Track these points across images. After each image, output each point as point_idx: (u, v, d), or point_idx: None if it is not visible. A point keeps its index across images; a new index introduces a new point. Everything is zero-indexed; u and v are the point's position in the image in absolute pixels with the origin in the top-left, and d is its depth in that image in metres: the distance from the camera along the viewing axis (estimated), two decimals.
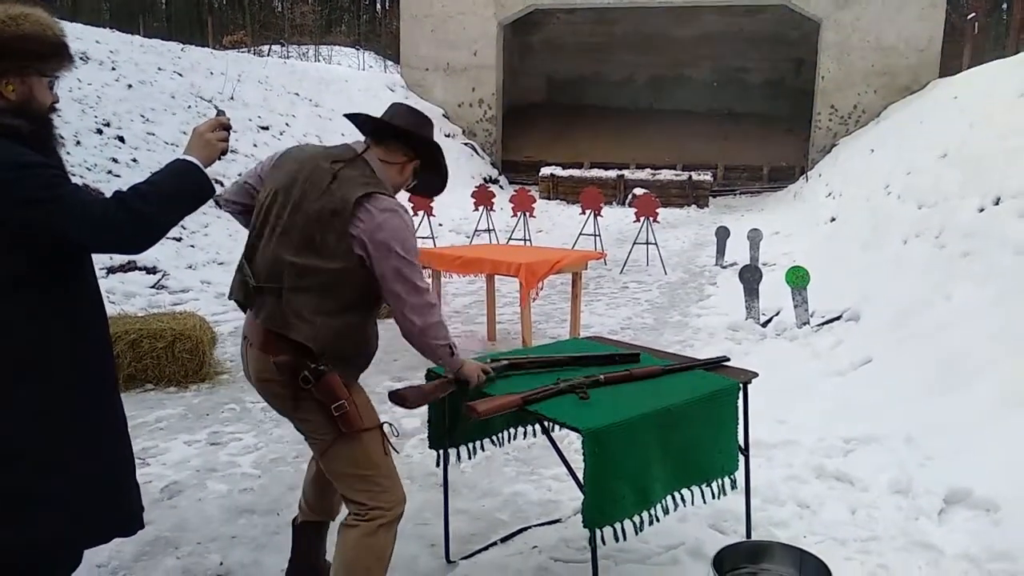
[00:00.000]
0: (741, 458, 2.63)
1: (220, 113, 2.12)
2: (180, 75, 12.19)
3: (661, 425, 2.32)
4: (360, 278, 2.23)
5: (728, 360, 2.79)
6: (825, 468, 3.55)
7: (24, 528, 1.87)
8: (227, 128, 2.07)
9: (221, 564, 2.99)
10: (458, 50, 19.44)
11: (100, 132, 9.02)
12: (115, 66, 10.89)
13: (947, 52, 18.44)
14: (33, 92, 1.89)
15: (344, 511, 2.45)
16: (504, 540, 3.11)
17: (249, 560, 3.01)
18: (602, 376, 2.53)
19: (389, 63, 24.97)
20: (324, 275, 2.20)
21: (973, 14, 20.39)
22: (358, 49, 25.97)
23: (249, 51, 21.70)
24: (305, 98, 14.52)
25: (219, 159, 2.06)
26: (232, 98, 12.40)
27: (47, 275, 1.86)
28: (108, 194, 1.87)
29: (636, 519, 2.30)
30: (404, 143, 2.36)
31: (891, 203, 9.40)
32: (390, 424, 2.45)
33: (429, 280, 6.16)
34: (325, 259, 2.19)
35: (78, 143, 8.65)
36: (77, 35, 11.21)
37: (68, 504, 1.92)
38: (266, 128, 12.48)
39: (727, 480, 2.54)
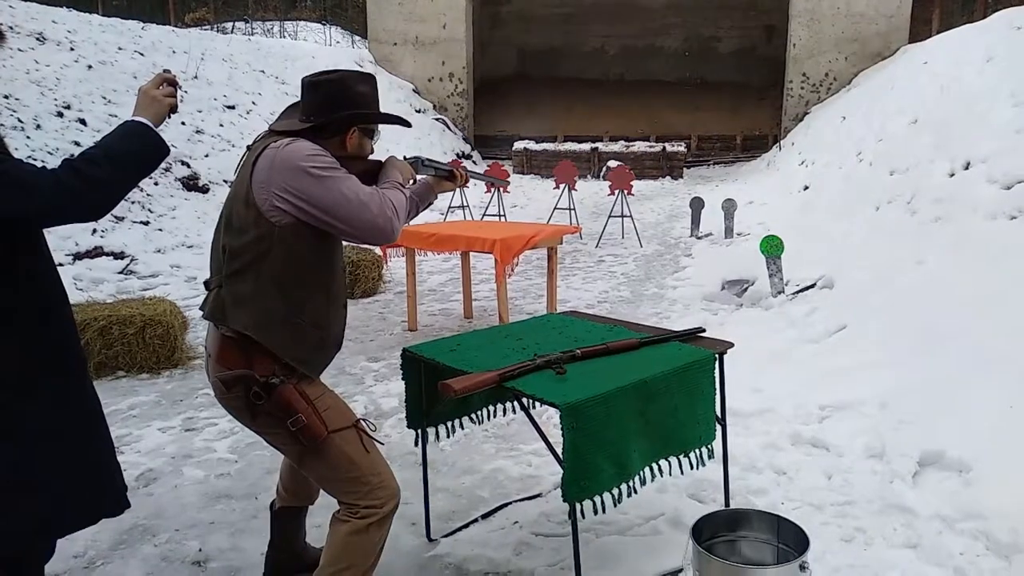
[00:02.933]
0: (718, 428, 2.64)
1: (166, 71, 2.05)
2: (142, 55, 11.91)
3: (638, 398, 2.32)
4: (286, 245, 2.07)
5: (704, 331, 2.79)
6: (801, 435, 3.58)
7: (9, 515, 1.84)
8: (173, 84, 1.98)
9: (200, 550, 2.96)
10: (427, 23, 19.18)
11: (60, 115, 8.80)
12: (73, 46, 10.61)
13: (917, 18, 18.50)
14: None
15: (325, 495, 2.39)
16: (485, 517, 3.11)
17: (228, 545, 2.98)
18: (578, 351, 2.51)
19: (356, 38, 24.60)
20: (248, 251, 2.07)
21: None
22: (324, 24, 25.54)
23: (212, 28, 21.27)
24: (271, 75, 14.27)
25: (168, 117, 1.98)
26: (196, 77, 12.15)
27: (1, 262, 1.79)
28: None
29: (615, 491, 2.30)
30: (305, 104, 2.24)
31: (863, 170, 9.46)
32: (365, 420, 2.33)
33: (403, 258, 6.10)
34: (243, 232, 2.07)
35: (38, 127, 8.43)
36: (32, 15, 10.91)
37: (52, 488, 1.89)
38: (232, 108, 12.26)
39: (704, 450, 2.55)
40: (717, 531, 2.29)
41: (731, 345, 2.65)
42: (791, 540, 2.24)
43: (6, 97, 8.68)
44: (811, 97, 18.28)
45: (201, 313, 2.25)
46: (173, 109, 1.97)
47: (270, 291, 2.09)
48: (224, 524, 3.15)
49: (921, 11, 19.38)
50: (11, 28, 10.06)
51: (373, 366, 5.22)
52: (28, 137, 8.17)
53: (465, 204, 11.32)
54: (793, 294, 6.26)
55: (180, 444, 3.95)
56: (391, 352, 5.52)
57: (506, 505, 3.19)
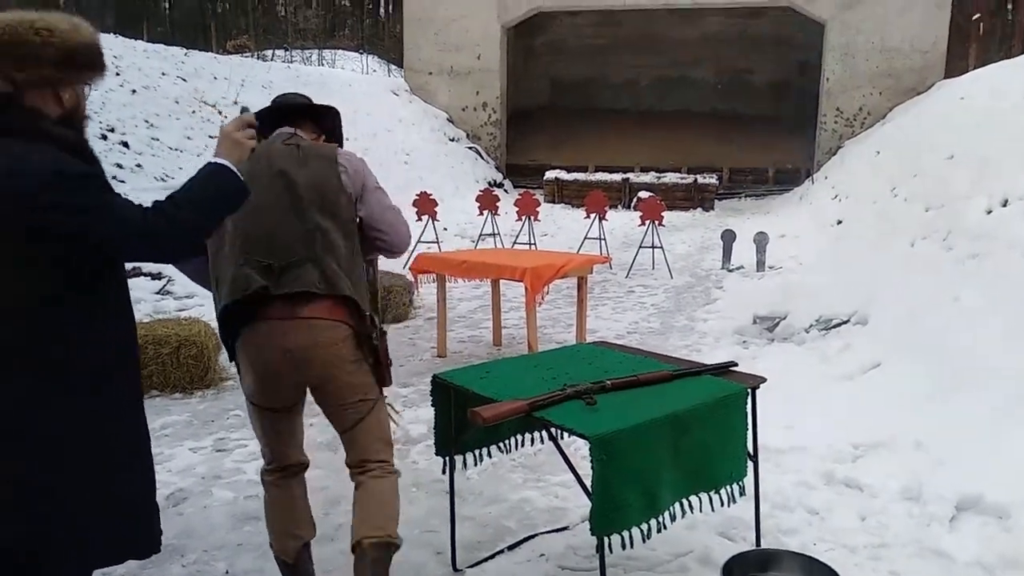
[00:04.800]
0: (750, 464, 2.60)
1: (244, 111, 2.11)
2: (184, 80, 12.20)
3: (670, 431, 2.30)
4: (356, 226, 2.54)
5: (736, 365, 2.77)
6: (834, 474, 3.52)
7: (55, 528, 1.80)
8: (253, 126, 2.03)
9: (227, 572, 2.97)
10: (461, 53, 19.43)
11: (105, 138, 9.02)
12: (119, 71, 10.90)
13: (952, 53, 18.37)
14: (80, 101, 1.89)
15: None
16: (511, 548, 3.09)
17: (254, 568, 3.00)
18: (609, 382, 2.51)
19: (392, 67, 24.99)
20: (346, 230, 2.48)
21: (978, 15, 20.31)
22: (361, 53, 25.99)
23: (253, 56, 21.74)
24: None
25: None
26: (235, 103, 12.39)
27: (88, 289, 1.81)
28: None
29: (644, 527, 2.27)
30: (312, 121, 2.73)
31: (898, 205, 9.37)
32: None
33: (434, 284, 6.14)
34: (338, 216, 2.47)
35: None
36: None
37: (96, 514, 1.86)
38: None
39: (736, 487, 2.52)
40: (748, 571, 2.25)
41: (764, 380, 2.62)
42: None
43: None
44: (845, 131, 18.17)
45: (260, 287, 2.37)
46: (252, 150, 2.02)
47: (359, 262, 2.51)
48: (251, 546, 3.16)
49: (957, 47, 19.24)
50: None
51: (402, 392, 5.23)
52: None
53: (496, 232, 11.37)
54: (826, 329, 6.19)
55: (210, 464, 3.98)
56: (420, 378, 5.54)
57: (533, 537, 3.17)
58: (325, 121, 2.77)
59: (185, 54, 13.31)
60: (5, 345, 1.71)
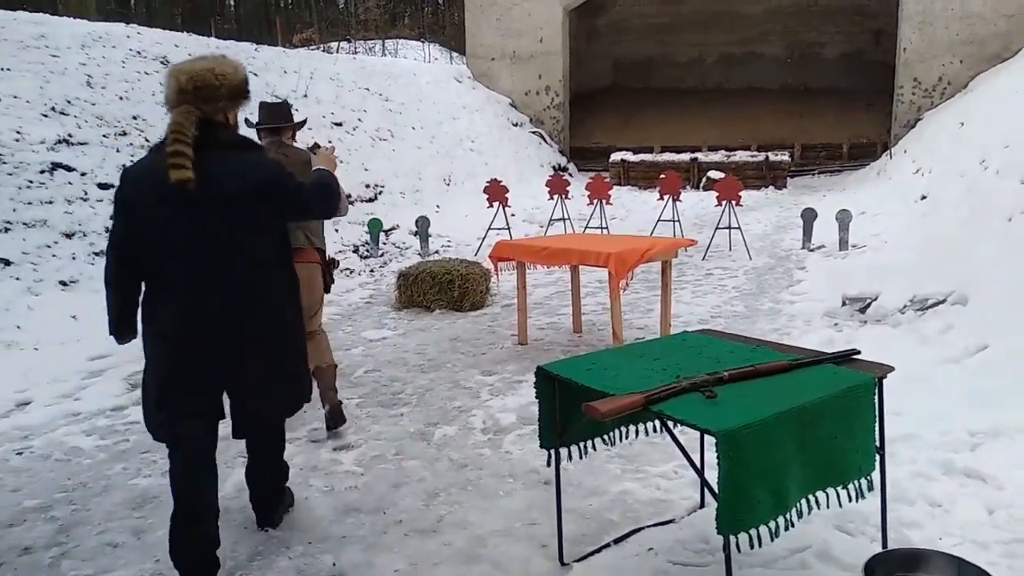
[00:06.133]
0: (877, 457, 2.48)
1: (316, 147, 3.48)
2: (255, 75, 12.37)
3: (796, 424, 2.19)
4: None
5: (858, 353, 2.63)
6: (953, 464, 3.34)
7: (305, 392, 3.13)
8: (333, 149, 3.40)
9: (334, 565, 2.98)
10: (523, 38, 19.28)
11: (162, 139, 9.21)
12: None
13: None
14: (236, 118, 2.93)
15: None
16: (617, 541, 3.02)
17: (361, 560, 3.00)
18: (726, 373, 2.41)
19: (455, 54, 24.97)
20: None
21: None
22: (423, 42, 26.04)
23: (318, 48, 21.97)
24: (375, 93, 14.60)
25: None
26: (305, 96, 12.54)
27: (286, 248, 2.97)
28: None
29: (772, 524, 2.18)
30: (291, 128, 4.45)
31: (989, 178, 8.91)
32: None
33: (513, 273, 6.08)
34: None
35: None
36: (157, 40, 11.50)
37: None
38: (339, 124, 12.60)
39: (864, 481, 2.40)
40: (891, 571, 2.13)
41: (892, 369, 2.49)
42: None
43: (134, 118, 9.16)
44: (923, 103, 17.43)
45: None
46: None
47: (319, 225, 4.35)
48: (355, 539, 3.17)
49: None
50: (139, 53, 10.63)
51: (488, 380, 5.21)
52: None
53: (566, 216, 11.26)
54: (922, 310, 5.92)
55: (307, 455, 4.02)
56: (503, 366, 5.51)
57: (639, 530, 3.09)
58: (296, 127, 4.49)
59: (255, 49, 13.51)
60: (268, 261, 2.84)
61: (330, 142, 3.97)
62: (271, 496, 3.28)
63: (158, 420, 2.78)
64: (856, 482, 2.37)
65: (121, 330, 2.89)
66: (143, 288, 2.80)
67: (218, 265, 2.69)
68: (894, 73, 17.97)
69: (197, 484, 2.81)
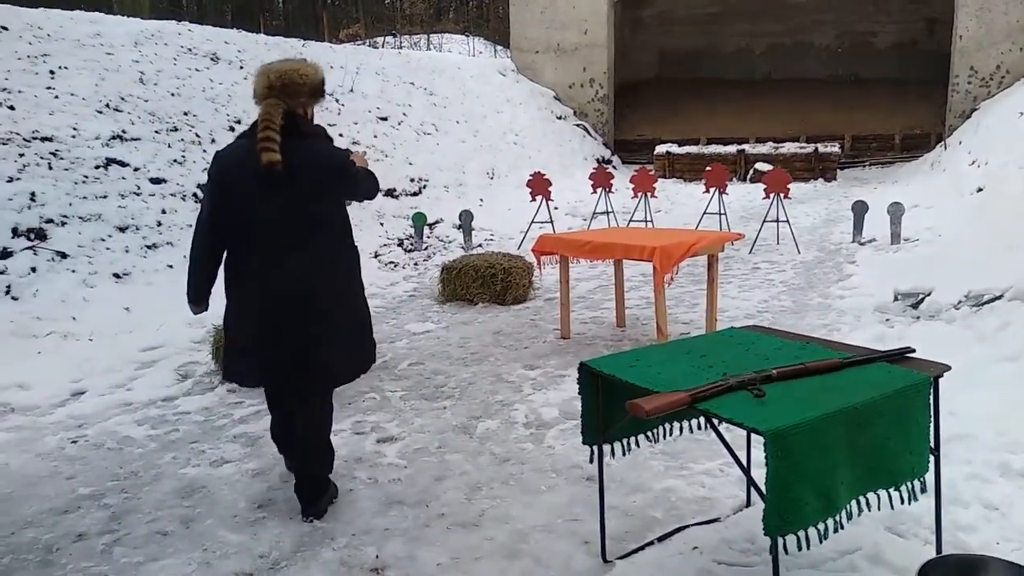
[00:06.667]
0: (931, 459, 2.40)
1: (349, 152, 3.44)
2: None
3: (847, 425, 2.14)
4: None
5: (913, 351, 2.56)
6: (1011, 465, 3.23)
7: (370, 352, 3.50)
8: (365, 154, 3.82)
9: (377, 557, 3.00)
10: (568, 30, 19.16)
11: (232, 129, 9.36)
12: (243, 64, 11.29)
13: None
14: (314, 112, 3.31)
15: None
16: (661, 539, 2.99)
17: (404, 553, 3.01)
18: (774, 371, 2.36)
19: (499, 48, 24.95)
20: None
21: None
22: (468, 36, 26.06)
23: (364, 43, 22.14)
24: (420, 87, 14.66)
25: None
26: (352, 90, 12.65)
27: (349, 223, 3.35)
28: None
29: (820, 526, 2.13)
30: None
31: None
32: None
33: (556, 267, 6.05)
34: None
35: (213, 140, 9.01)
36: (208, 37, 11.71)
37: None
38: (385, 119, 12.68)
39: (917, 483, 2.33)
40: None
41: (948, 368, 2.41)
42: None
43: (185, 114, 9.33)
44: (980, 92, 16.88)
45: None
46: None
47: None
48: (398, 531, 3.19)
49: None
50: (190, 50, 10.83)
51: (530, 374, 5.20)
52: (204, 150, 8.75)
53: (609, 210, 11.18)
54: (977, 306, 5.74)
55: (351, 447, 4.05)
56: (546, 360, 5.49)
57: (683, 528, 3.06)
58: None
59: (303, 45, 13.66)
60: (341, 233, 3.28)
61: (357, 143, 3.60)
62: (315, 459, 3.37)
63: (238, 371, 3.34)
64: (909, 484, 2.31)
65: (198, 298, 3.30)
66: (227, 256, 3.23)
67: (299, 235, 3.10)
68: (949, 62, 17.45)
69: (279, 427, 3.44)
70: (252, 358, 3.21)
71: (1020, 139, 10.97)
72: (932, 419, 2.36)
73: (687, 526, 3.07)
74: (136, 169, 7.97)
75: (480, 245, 10.32)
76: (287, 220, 3.09)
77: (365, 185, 3.32)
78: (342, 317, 3.26)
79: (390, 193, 10.92)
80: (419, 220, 10.04)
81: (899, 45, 21.71)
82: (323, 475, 3.39)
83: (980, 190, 10.66)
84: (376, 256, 9.21)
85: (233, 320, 3.26)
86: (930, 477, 2.41)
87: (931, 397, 2.34)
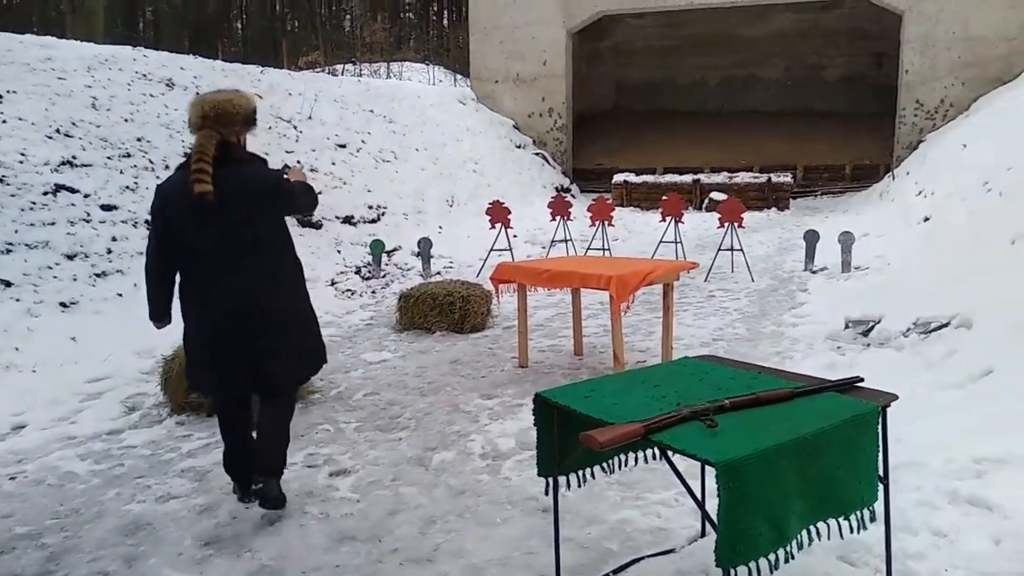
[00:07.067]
0: (880, 487, 2.43)
1: (287, 167, 3.39)
2: (260, 97, 12.44)
3: (798, 455, 2.15)
4: None
5: (861, 380, 2.59)
6: (958, 492, 3.29)
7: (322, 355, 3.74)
8: (303, 168, 3.95)
9: None
10: (527, 61, 19.40)
11: (187, 156, 9.23)
12: (199, 90, 11.18)
13: None
14: (246, 139, 3.50)
15: None
16: (616, 572, 2.97)
17: None
18: (727, 401, 2.37)
19: (459, 76, 25.12)
20: None
21: None
22: (428, 64, 26.20)
23: (324, 71, 22.11)
24: (379, 115, 14.66)
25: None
26: (310, 118, 12.60)
27: (289, 238, 3.55)
28: None
29: (772, 556, 2.13)
30: None
31: (993, 201, 8.89)
32: None
33: (514, 295, 6.05)
34: None
35: (167, 167, 8.88)
36: (163, 63, 11.58)
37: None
38: (343, 146, 12.64)
39: (866, 512, 2.35)
40: None
41: (895, 397, 2.45)
42: None
43: (139, 140, 9.19)
44: (926, 124, 17.46)
45: None
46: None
47: None
48: (350, 568, 3.12)
49: None
50: (144, 76, 10.69)
51: (487, 403, 5.16)
52: (157, 176, 8.60)
53: (568, 238, 11.25)
54: (925, 333, 5.88)
55: (302, 481, 3.97)
56: (503, 389, 5.47)
57: (638, 560, 3.04)
58: None
59: (261, 71, 13.60)
60: (278, 250, 3.47)
61: (299, 162, 4.72)
62: (272, 443, 3.51)
63: (199, 379, 3.55)
64: (859, 512, 2.33)
65: (158, 315, 3.52)
66: (179, 279, 3.45)
67: (233, 260, 3.31)
68: (896, 96, 18.02)
69: (231, 434, 3.58)
70: (212, 372, 3.43)
71: (964, 171, 11.32)
72: (880, 448, 2.39)
73: (642, 558, 3.05)
74: (87, 196, 7.81)
75: (439, 273, 10.29)
76: (221, 247, 3.30)
77: (303, 200, 3.50)
78: (291, 328, 3.49)
79: (348, 220, 10.85)
80: (377, 248, 9.98)
81: (847, 79, 22.40)
82: (279, 457, 3.51)
83: (927, 219, 10.96)
84: (333, 284, 9.12)
85: (188, 340, 3.49)
86: (880, 505, 2.43)
87: (879, 426, 2.37)
